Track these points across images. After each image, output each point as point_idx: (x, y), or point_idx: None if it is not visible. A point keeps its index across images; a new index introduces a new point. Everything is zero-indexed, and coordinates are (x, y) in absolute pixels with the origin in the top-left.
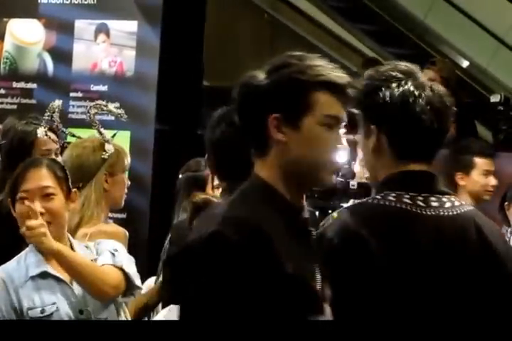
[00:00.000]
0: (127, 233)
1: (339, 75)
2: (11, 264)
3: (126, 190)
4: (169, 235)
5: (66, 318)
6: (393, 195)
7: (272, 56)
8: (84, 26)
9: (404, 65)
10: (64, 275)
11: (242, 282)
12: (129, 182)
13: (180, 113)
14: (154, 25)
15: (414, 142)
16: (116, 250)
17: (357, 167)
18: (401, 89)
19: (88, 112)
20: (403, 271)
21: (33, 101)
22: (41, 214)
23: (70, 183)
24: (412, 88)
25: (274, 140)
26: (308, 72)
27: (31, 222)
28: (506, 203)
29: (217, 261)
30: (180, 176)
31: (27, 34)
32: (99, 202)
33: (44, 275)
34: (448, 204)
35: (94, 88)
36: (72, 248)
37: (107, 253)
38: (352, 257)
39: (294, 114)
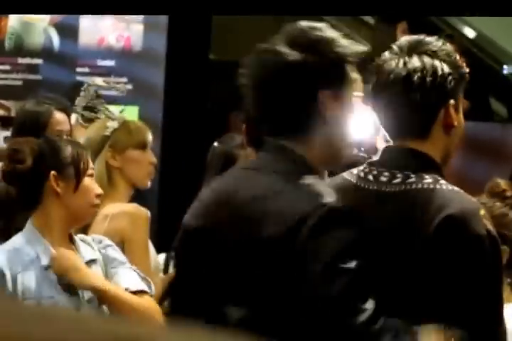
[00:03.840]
0: (149, 214)
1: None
2: (10, 248)
3: (150, 168)
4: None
5: None
6: (360, 168)
7: (279, 29)
8: None
9: None
10: None
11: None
12: (155, 160)
13: (189, 87)
14: None
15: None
16: (130, 264)
17: (380, 142)
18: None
19: (86, 91)
20: None
21: (39, 77)
22: (99, 196)
23: None
24: None
25: (323, 117)
26: (342, 46)
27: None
28: None
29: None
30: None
31: None
32: (111, 180)
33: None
34: (397, 181)
35: (102, 63)
36: (73, 243)
37: (128, 270)
38: None
39: (340, 87)
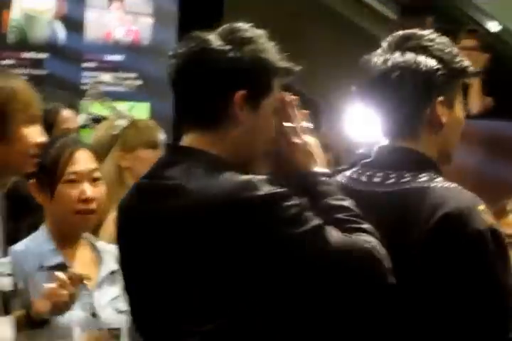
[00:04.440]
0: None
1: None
2: (21, 249)
3: None
4: None
5: (76, 320)
6: (354, 169)
7: (295, 21)
8: None
9: None
10: (80, 271)
11: None
12: None
13: None
14: None
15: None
16: None
17: None
18: None
19: (93, 89)
20: None
21: (44, 72)
22: (91, 200)
23: None
24: None
25: (234, 117)
26: (274, 56)
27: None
28: None
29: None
30: None
31: (37, 2)
32: (121, 180)
33: (59, 267)
34: (390, 181)
35: (109, 58)
36: (95, 249)
37: None
38: None
39: (260, 93)
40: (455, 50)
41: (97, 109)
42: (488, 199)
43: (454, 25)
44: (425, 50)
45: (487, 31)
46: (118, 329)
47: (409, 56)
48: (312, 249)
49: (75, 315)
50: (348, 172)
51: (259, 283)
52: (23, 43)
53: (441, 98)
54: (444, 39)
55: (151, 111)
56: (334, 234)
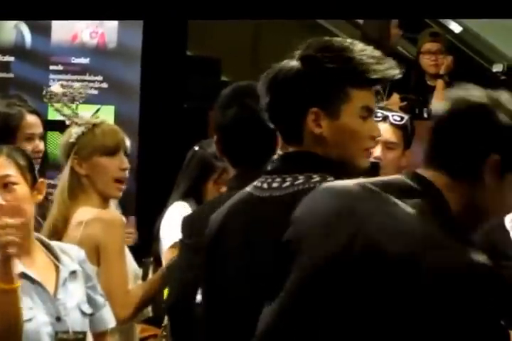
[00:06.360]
0: (125, 220)
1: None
2: None
3: (119, 174)
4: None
5: (43, 325)
6: (261, 179)
7: (257, 26)
8: None
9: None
10: (41, 278)
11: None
12: (127, 166)
13: (166, 85)
14: None
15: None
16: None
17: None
18: None
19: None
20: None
21: (11, 75)
22: (0, 206)
23: (35, 172)
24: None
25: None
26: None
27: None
28: None
29: None
30: (196, 149)
31: None
32: (82, 187)
33: (22, 277)
34: (286, 184)
35: (75, 61)
36: (50, 250)
37: (106, 303)
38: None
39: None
40: (359, 58)
41: (61, 113)
42: None
43: (420, 25)
44: (313, 59)
45: (450, 32)
46: (83, 333)
47: (291, 64)
48: None
49: (41, 319)
50: (254, 182)
51: None
52: None
53: (314, 109)
54: (349, 46)
55: (116, 114)
56: None
